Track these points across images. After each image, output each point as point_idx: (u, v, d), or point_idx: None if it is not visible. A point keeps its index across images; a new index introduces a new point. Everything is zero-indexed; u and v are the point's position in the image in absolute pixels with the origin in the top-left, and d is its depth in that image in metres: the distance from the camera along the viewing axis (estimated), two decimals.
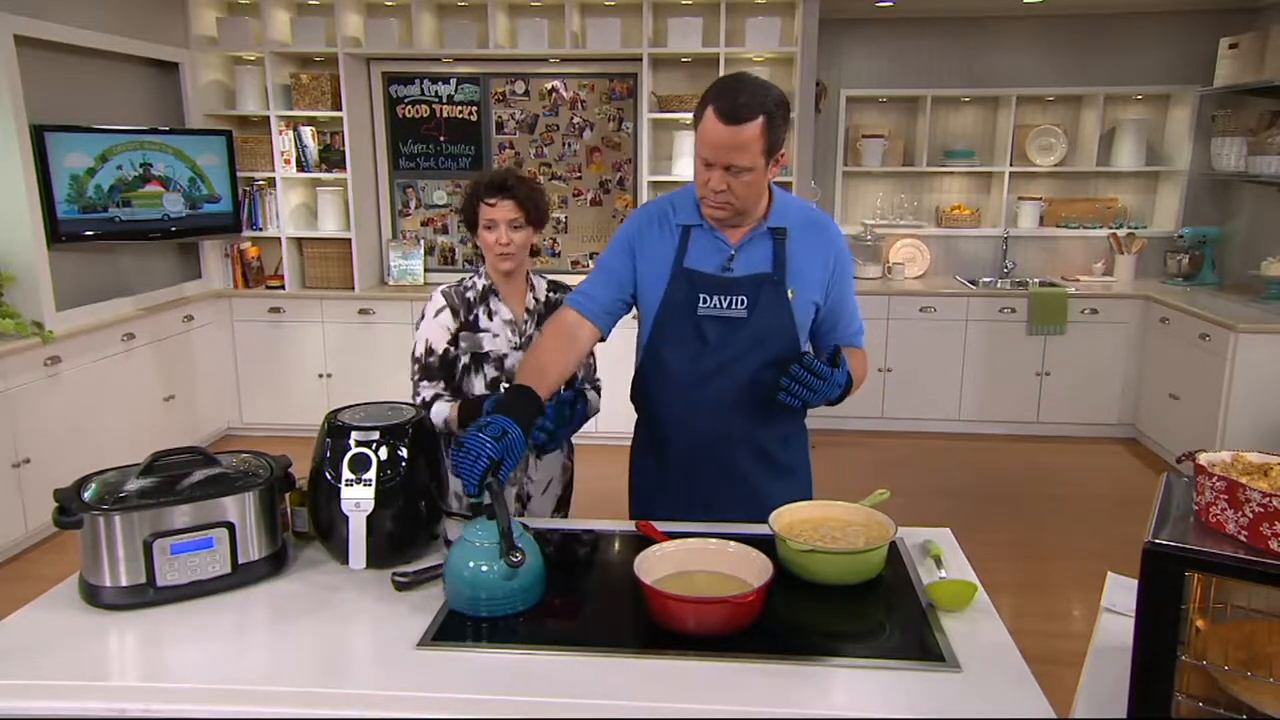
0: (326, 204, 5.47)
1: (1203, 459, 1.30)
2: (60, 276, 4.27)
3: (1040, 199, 5.86)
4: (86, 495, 1.62)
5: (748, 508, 1.95)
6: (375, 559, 1.71)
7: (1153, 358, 5.25)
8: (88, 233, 4.42)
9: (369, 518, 1.68)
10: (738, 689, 1.35)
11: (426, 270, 5.70)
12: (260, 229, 5.44)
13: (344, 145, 5.32)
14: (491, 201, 2.23)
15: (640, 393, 2.11)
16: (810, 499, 1.92)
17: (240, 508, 1.65)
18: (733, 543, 1.65)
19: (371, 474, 1.68)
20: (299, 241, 5.53)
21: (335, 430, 1.73)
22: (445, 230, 5.79)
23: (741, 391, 1.98)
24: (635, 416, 2.17)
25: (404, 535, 1.74)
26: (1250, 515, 1.19)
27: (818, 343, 2.09)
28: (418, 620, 1.55)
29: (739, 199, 1.88)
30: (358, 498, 1.68)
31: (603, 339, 2.04)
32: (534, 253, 2.40)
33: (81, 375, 4.26)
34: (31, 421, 3.94)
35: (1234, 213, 5.62)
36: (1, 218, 4.06)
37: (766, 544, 1.67)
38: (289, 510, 1.84)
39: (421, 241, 5.70)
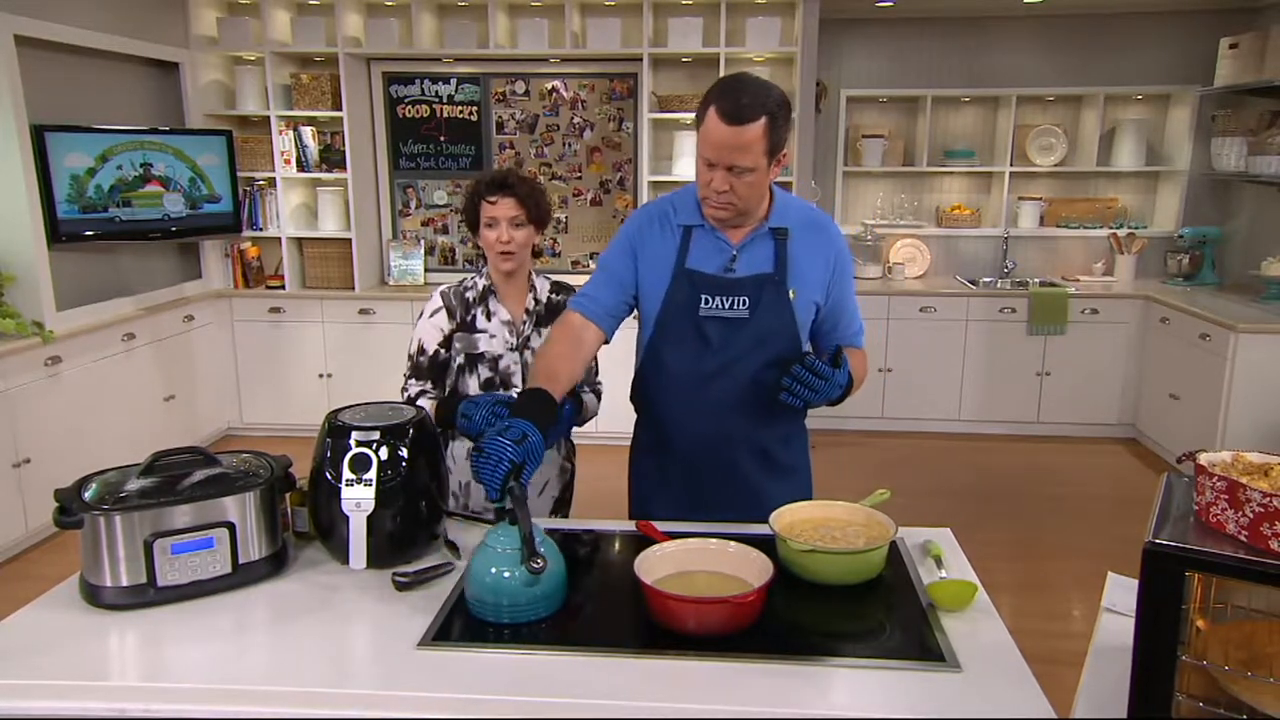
0: (327, 204, 5.48)
1: (1203, 459, 1.30)
2: (60, 276, 4.27)
3: (1040, 199, 5.86)
4: (87, 495, 1.62)
5: (748, 508, 1.95)
6: (375, 559, 1.71)
7: (1153, 358, 5.25)
8: (88, 233, 4.42)
9: (369, 518, 1.68)
10: (738, 689, 1.35)
11: (427, 270, 5.70)
12: (260, 229, 5.44)
13: (344, 145, 5.32)
14: (493, 199, 2.24)
15: (641, 393, 2.10)
16: (810, 499, 1.92)
17: (241, 508, 1.65)
18: (733, 543, 1.65)
19: (372, 474, 1.68)
20: (299, 241, 5.53)
21: (336, 430, 1.73)
22: (445, 230, 5.79)
23: (743, 392, 1.98)
24: (635, 417, 2.17)
25: (404, 535, 1.74)
26: (1250, 515, 1.19)
27: (818, 343, 2.09)
28: (418, 620, 1.54)
29: (741, 199, 1.87)
30: (358, 498, 1.68)
31: (606, 341, 2.04)
32: (536, 254, 2.40)
33: (82, 375, 4.26)
34: (32, 421, 3.94)
35: (1234, 213, 5.62)
36: (2, 218, 4.06)
37: (767, 544, 1.67)
38: (289, 510, 1.84)
39: (422, 241, 5.70)
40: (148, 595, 1.58)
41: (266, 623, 1.58)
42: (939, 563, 1.74)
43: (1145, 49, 5.61)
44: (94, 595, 1.59)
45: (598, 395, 2.37)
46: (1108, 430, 5.50)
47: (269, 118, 5.30)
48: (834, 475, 4.76)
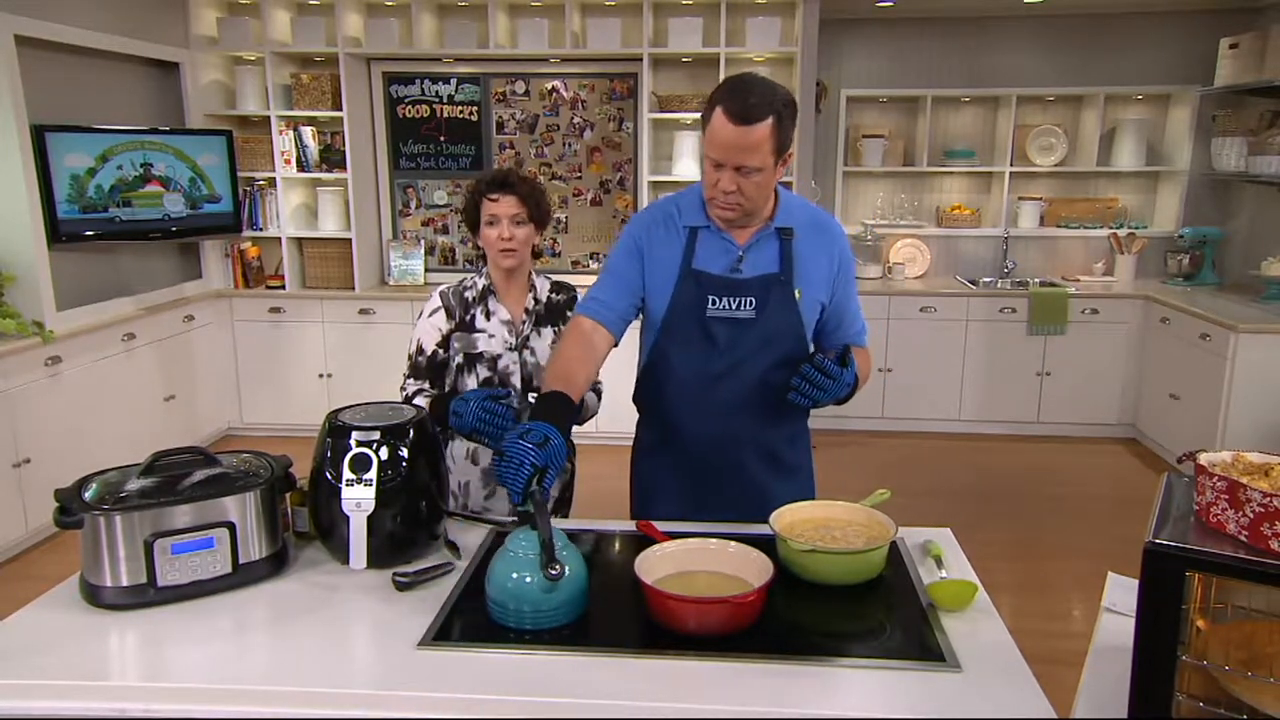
0: (327, 204, 5.48)
1: (1203, 459, 1.30)
2: (60, 276, 4.27)
3: (1040, 199, 5.86)
4: (87, 495, 1.62)
5: (753, 508, 1.95)
6: (376, 559, 1.71)
7: (1153, 358, 5.25)
8: (88, 233, 4.41)
9: (370, 518, 1.68)
10: (738, 689, 1.35)
11: (427, 270, 5.70)
12: (260, 229, 5.44)
13: (344, 145, 5.32)
14: (494, 196, 2.24)
15: (646, 394, 2.10)
16: (814, 499, 1.92)
17: (241, 508, 1.65)
18: (733, 543, 1.65)
19: (372, 474, 1.68)
20: (299, 241, 5.53)
21: (336, 430, 1.73)
22: (445, 230, 5.79)
23: (750, 393, 1.98)
24: (635, 417, 2.16)
25: (405, 535, 1.74)
26: (1251, 515, 1.19)
27: (821, 342, 2.09)
28: (418, 620, 1.54)
29: (748, 199, 1.87)
30: (358, 498, 1.68)
31: (615, 344, 2.02)
32: (536, 254, 2.40)
33: (82, 375, 4.26)
34: (32, 421, 3.94)
35: (1234, 213, 5.62)
36: (2, 218, 4.06)
37: (767, 544, 1.67)
38: (290, 510, 1.84)
39: (422, 241, 5.70)
40: (148, 595, 1.58)
41: (267, 623, 1.57)
42: (939, 563, 1.74)
43: (1145, 49, 5.61)
44: (94, 595, 1.59)
45: (598, 394, 2.37)
46: (1108, 430, 5.50)
47: (269, 118, 5.30)
48: (834, 475, 4.75)
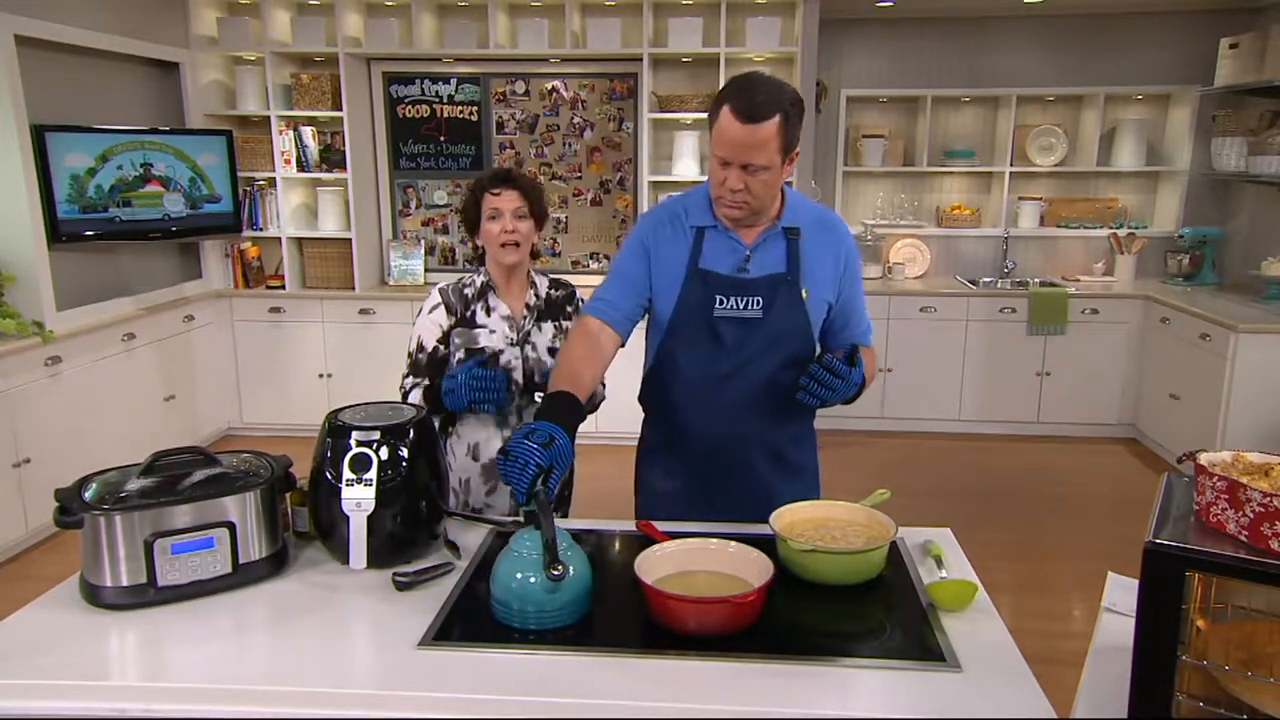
0: (327, 204, 5.47)
1: (1203, 459, 1.30)
2: (60, 276, 4.27)
3: (1040, 199, 5.86)
4: (87, 495, 1.62)
5: (759, 508, 1.93)
6: (376, 559, 1.71)
7: (1153, 358, 5.25)
8: (88, 233, 4.41)
9: (370, 518, 1.68)
10: (738, 689, 1.35)
11: (427, 270, 5.70)
12: (260, 229, 5.44)
13: (344, 145, 5.32)
14: (497, 191, 2.26)
15: (652, 394, 2.09)
16: (820, 498, 1.92)
17: (241, 508, 1.65)
18: (733, 543, 1.65)
19: (372, 474, 1.68)
20: (299, 241, 5.53)
21: (336, 430, 1.73)
22: (445, 230, 5.79)
23: (757, 392, 1.98)
24: (638, 417, 2.16)
25: (405, 535, 1.74)
26: (1251, 515, 1.19)
27: (828, 341, 2.09)
28: (418, 620, 1.54)
29: (756, 198, 1.87)
30: (358, 498, 1.68)
31: (622, 344, 2.01)
32: (535, 255, 2.40)
33: (82, 375, 4.26)
34: (32, 421, 3.94)
35: (1234, 213, 5.62)
36: (2, 218, 4.06)
37: (767, 544, 1.67)
38: (290, 510, 1.84)
39: (422, 241, 5.70)
40: (148, 595, 1.58)
41: (267, 623, 1.57)
42: (939, 563, 1.74)
43: (1145, 49, 5.61)
44: (94, 595, 1.59)
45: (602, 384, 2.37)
46: (1108, 430, 5.50)
47: (269, 118, 5.30)
48: (835, 475, 4.73)
